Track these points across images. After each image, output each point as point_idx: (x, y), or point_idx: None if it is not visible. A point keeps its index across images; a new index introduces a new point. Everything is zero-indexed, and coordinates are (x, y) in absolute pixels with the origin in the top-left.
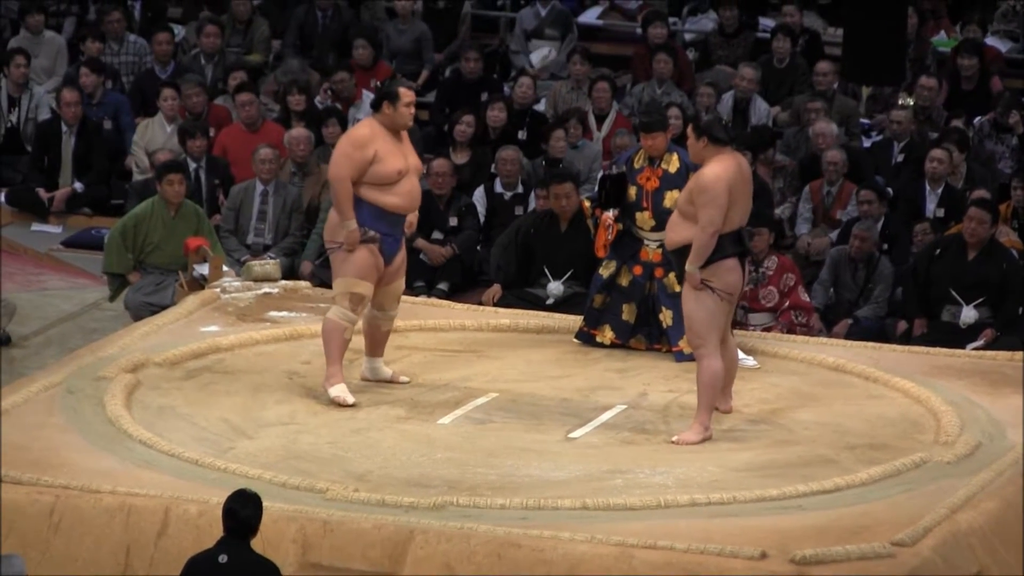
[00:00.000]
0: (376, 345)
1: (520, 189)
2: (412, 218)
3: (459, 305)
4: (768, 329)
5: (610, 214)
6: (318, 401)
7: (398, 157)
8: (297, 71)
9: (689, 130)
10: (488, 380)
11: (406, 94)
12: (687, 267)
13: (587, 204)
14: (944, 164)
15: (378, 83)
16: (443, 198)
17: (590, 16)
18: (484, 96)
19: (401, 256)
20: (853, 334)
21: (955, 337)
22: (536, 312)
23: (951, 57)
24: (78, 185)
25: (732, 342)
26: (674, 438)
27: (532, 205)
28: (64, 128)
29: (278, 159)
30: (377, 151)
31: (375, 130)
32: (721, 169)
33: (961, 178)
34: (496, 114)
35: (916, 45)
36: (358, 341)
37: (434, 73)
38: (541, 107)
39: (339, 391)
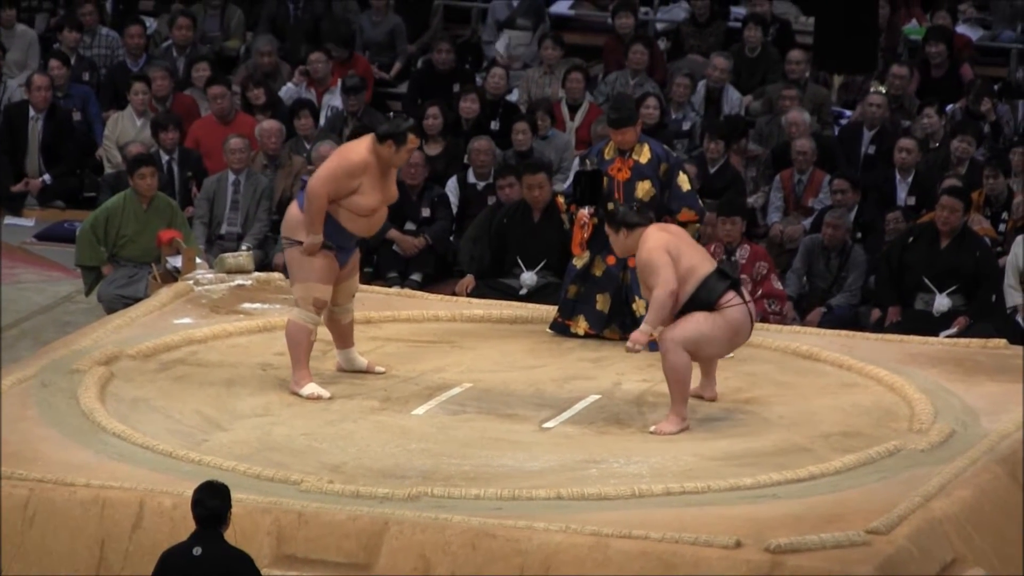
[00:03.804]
0: (343, 337)
1: (492, 179)
2: None
3: (432, 296)
4: None
5: (586, 212)
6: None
7: (378, 193)
8: (264, 46)
9: (607, 229)
10: (462, 371)
11: (413, 141)
12: (643, 326)
13: (561, 200)
14: (912, 154)
15: (352, 73)
16: (415, 189)
17: (562, 6)
18: (456, 87)
19: (354, 259)
20: (826, 322)
21: (929, 325)
22: (510, 302)
23: (921, 46)
24: (46, 177)
25: None
26: (651, 428)
27: None
28: (32, 113)
29: (248, 148)
30: (363, 183)
31: (368, 161)
32: (651, 241)
33: (965, 168)
34: (468, 105)
35: (888, 34)
36: (328, 333)
37: (407, 64)
38: (514, 97)
39: (311, 389)
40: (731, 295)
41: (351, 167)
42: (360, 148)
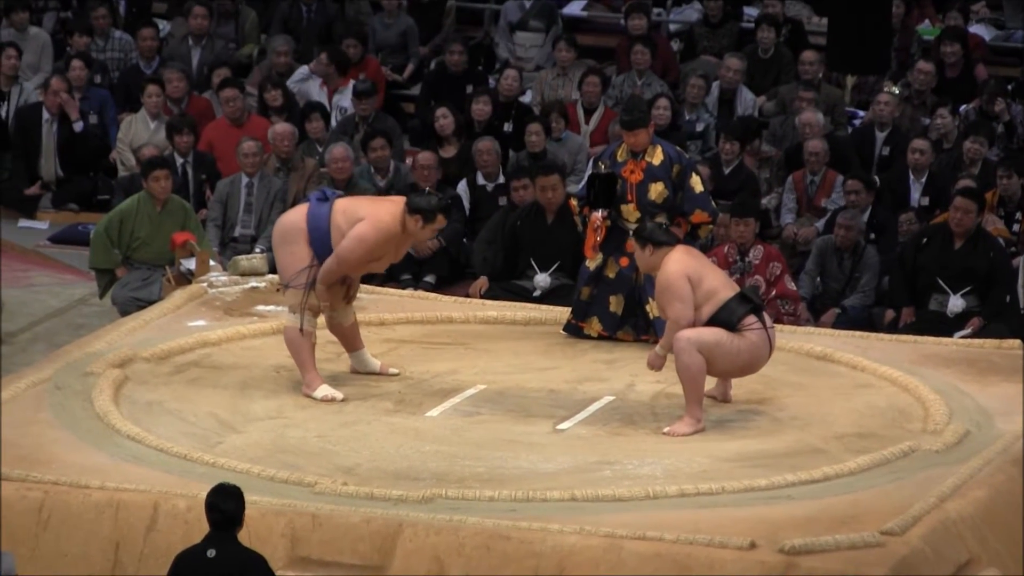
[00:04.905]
0: (350, 340)
1: (501, 180)
2: None
3: (446, 298)
4: None
5: (599, 215)
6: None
7: (389, 258)
8: (280, 45)
9: (633, 244)
10: (476, 372)
11: (440, 220)
12: (658, 348)
13: (574, 203)
14: (926, 154)
15: (363, 77)
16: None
17: (574, 8)
18: (469, 89)
19: None
20: (840, 323)
21: (942, 326)
22: (523, 304)
23: (935, 45)
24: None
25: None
26: (666, 429)
27: None
28: (46, 116)
29: (261, 152)
30: (388, 250)
31: (396, 230)
32: (673, 263)
33: (978, 168)
34: (481, 107)
35: (901, 34)
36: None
37: (419, 66)
38: (527, 99)
39: (324, 391)
40: (752, 319)
41: (386, 235)
42: (393, 216)
